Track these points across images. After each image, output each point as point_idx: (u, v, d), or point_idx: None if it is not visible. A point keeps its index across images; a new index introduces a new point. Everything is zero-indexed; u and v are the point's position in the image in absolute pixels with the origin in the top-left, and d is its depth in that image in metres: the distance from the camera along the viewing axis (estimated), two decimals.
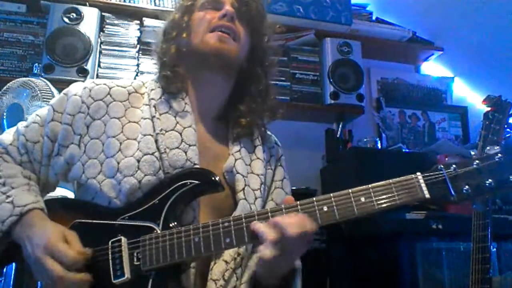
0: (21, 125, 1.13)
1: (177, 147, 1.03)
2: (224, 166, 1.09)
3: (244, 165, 1.10)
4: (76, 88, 1.11)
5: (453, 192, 0.87)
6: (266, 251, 0.86)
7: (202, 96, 1.15)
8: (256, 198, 1.08)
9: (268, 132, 1.25)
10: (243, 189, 1.06)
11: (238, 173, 1.08)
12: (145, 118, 1.06)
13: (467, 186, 0.87)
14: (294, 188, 1.28)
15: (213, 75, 1.13)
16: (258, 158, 1.15)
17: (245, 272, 1.03)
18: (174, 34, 1.15)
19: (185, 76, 1.14)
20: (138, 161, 1.00)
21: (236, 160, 1.10)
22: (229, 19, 1.11)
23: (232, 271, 1.01)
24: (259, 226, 0.88)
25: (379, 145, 2.61)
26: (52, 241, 0.92)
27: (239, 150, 1.12)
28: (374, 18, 2.93)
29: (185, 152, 1.03)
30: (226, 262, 1.01)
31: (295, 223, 0.85)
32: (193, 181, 0.97)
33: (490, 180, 0.86)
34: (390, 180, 0.89)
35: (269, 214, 0.90)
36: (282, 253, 0.86)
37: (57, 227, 0.97)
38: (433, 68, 3.16)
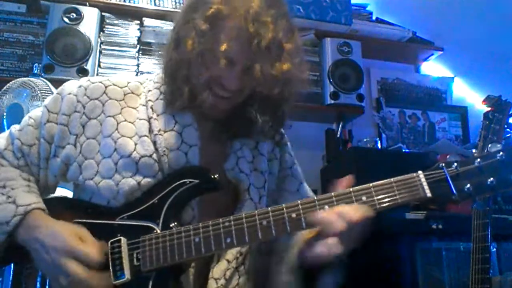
0: (14, 128, 1.11)
1: (177, 149, 1.01)
2: (225, 164, 1.07)
3: (247, 163, 1.08)
4: (71, 87, 1.09)
5: (454, 191, 0.85)
6: (337, 246, 0.85)
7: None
8: (261, 197, 1.07)
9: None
10: (248, 188, 1.05)
11: (242, 172, 1.06)
12: (141, 119, 1.04)
13: (468, 185, 0.85)
14: None
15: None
16: (260, 154, 1.13)
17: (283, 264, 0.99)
18: (185, 71, 1.01)
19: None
20: (137, 163, 0.99)
21: (238, 158, 1.08)
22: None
23: (234, 270, 1.01)
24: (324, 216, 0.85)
25: (379, 145, 2.61)
26: (70, 242, 0.90)
27: (241, 148, 1.10)
28: (374, 18, 2.92)
29: (185, 154, 1.01)
30: (228, 261, 1.00)
31: (355, 209, 0.84)
32: (192, 180, 0.97)
33: (491, 178, 0.84)
34: (392, 179, 0.87)
35: (270, 213, 0.88)
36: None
37: (66, 226, 0.95)
38: (433, 68, 3.15)
